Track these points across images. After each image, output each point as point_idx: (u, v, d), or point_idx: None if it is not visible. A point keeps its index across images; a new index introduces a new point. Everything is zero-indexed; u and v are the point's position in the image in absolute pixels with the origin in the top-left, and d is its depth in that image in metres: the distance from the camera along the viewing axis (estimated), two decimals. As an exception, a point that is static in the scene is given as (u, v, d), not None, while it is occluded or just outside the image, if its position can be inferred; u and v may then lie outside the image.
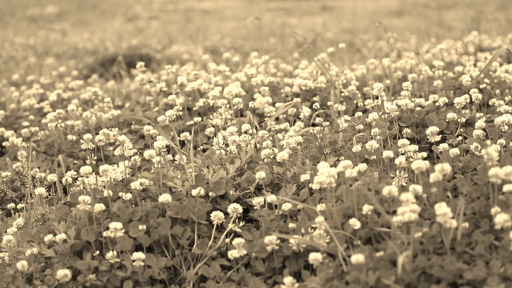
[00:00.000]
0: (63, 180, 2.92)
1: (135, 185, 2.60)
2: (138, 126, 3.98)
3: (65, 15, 13.48)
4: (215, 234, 2.54)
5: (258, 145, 3.15)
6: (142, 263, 2.38)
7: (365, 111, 3.77)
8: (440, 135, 2.82)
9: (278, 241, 2.40)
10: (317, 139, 3.13)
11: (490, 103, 3.57)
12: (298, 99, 3.99)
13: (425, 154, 2.89)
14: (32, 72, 6.98)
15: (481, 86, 3.74)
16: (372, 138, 2.92)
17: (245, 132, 3.15)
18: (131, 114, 4.13)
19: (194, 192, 2.56)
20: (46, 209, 2.77)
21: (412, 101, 3.21)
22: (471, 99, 3.30)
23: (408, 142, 2.73)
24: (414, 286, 2.11)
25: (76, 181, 3.03)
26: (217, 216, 2.51)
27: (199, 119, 3.60)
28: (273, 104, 3.92)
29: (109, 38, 9.57)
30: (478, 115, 3.25)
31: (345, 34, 9.31)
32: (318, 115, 3.63)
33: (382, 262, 2.16)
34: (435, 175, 2.27)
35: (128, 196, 2.61)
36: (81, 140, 3.04)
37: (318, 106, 3.57)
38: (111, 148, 3.65)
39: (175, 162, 3.14)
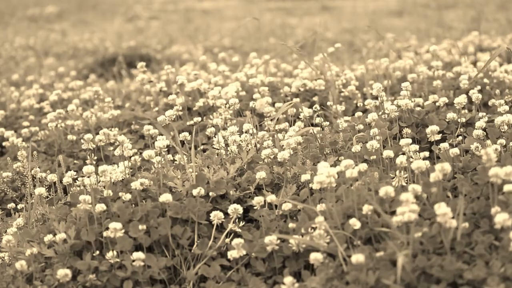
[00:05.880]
0: (63, 180, 2.92)
1: (135, 185, 2.60)
2: (138, 126, 3.98)
3: (65, 15, 13.48)
4: (215, 234, 2.54)
5: (258, 145, 3.15)
6: (142, 263, 2.38)
7: (365, 111, 3.77)
8: (440, 135, 2.82)
9: (278, 241, 2.40)
10: (317, 139, 3.13)
11: (490, 103, 3.57)
12: (298, 99, 3.99)
13: (426, 154, 2.90)
14: (32, 72, 6.98)
15: (479, 87, 3.74)
16: (372, 138, 2.92)
17: (246, 132, 3.15)
18: (131, 113, 4.13)
19: (194, 192, 2.56)
20: (46, 209, 2.77)
21: (412, 101, 3.21)
22: (470, 100, 3.30)
23: (410, 141, 2.73)
24: (414, 286, 2.11)
25: (76, 181, 3.03)
26: (217, 216, 2.51)
27: (199, 119, 3.59)
28: (273, 104, 3.93)
29: (109, 38, 9.56)
30: (479, 114, 3.25)
31: (345, 34, 9.31)
32: (318, 115, 3.63)
33: (382, 262, 2.16)
34: (435, 174, 2.27)
35: (128, 196, 2.61)
36: (82, 140, 3.04)
37: (318, 108, 3.57)
38: (111, 148, 3.65)
39: (175, 162, 3.15)
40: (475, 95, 3.25)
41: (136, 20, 12.39)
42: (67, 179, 2.93)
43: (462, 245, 2.21)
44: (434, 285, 2.09)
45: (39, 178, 3.20)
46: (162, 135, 2.99)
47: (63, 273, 2.31)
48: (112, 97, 4.93)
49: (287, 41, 8.47)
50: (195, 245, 2.51)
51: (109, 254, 2.41)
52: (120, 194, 2.66)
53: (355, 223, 2.33)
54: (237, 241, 2.41)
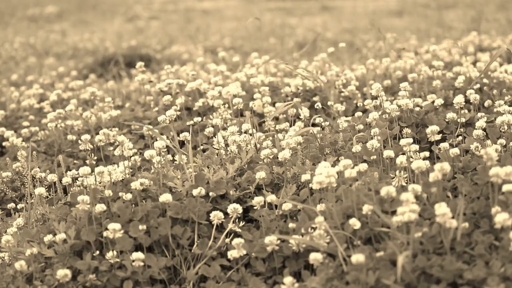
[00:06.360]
0: (63, 180, 2.92)
1: (135, 185, 2.60)
2: (138, 127, 3.98)
3: (65, 15, 13.48)
4: (215, 234, 2.54)
5: (258, 145, 3.15)
6: (142, 263, 2.38)
7: (365, 111, 3.77)
8: (440, 135, 2.82)
9: (278, 241, 2.40)
10: (317, 139, 3.13)
11: (486, 104, 3.57)
12: (298, 99, 3.99)
13: (426, 154, 2.90)
14: (32, 72, 6.98)
15: (478, 87, 3.74)
16: (372, 138, 2.92)
17: (245, 132, 3.15)
18: (132, 114, 4.13)
19: (194, 192, 2.56)
20: (46, 209, 2.77)
21: (412, 101, 3.21)
22: (468, 100, 3.30)
23: (411, 141, 2.73)
24: (414, 286, 2.11)
25: (76, 181, 3.03)
26: (217, 216, 2.51)
27: (199, 119, 3.59)
28: (273, 104, 3.93)
29: (109, 38, 9.56)
30: (479, 115, 3.25)
31: (345, 34, 9.31)
32: (319, 116, 3.63)
33: (382, 262, 2.16)
34: (434, 174, 2.27)
35: (128, 196, 2.61)
36: (79, 141, 3.04)
37: (320, 106, 3.57)
38: (111, 148, 3.65)
39: (175, 162, 3.15)
40: (473, 95, 3.25)
41: (136, 20, 12.40)
42: (67, 179, 2.93)
43: (462, 245, 2.21)
44: (434, 285, 2.09)
45: (39, 178, 3.20)
46: (162, 134, 2.99)
47: (63, 273, 2.31)
48: (112, 97, 4.94)
49: (286, 42, 8.47)
50: (195, 245, 2.50)
51: (109, 254, 2.41)
52: (120, 194, 2.66)
53: (355, 223, 2.33)
54: (237, 241, 2.41)
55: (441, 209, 2.13)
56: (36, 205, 2.82)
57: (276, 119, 3.75)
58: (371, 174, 2.56)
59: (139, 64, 4.37)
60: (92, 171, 2.65)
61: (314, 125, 3.57)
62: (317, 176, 2.34)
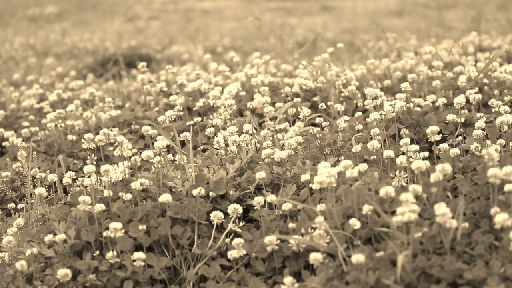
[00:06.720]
0: (63, 180, 2.92)
1: (135, 185, 2.60)
2: (138, 126, 3.98)
3: (65, 15, 13.47)
4: (215, 234, 2.54)
5: (258, 145, 3.15)
6: (143, 263, 2.38)
7: (365, 111, 3.77)
8: (440, 135, 2.82)
9: (278, 241, 2.40)
10: (317, 139, 3.13)
11: (490, 103, 3.57)
12: (298, 99, 3.99)
13: (426, 154, 2.90)
14: (32, 72, 6.97)
15: (477, 88, 3.74)
16: (371, 138, 2.92)
17: (245, 132, 3.15)
18: (132, 114, 4.14)
19: (194, 192, 2.56)
20: (46, 209, 2.78)
21: (411, 101, 3.21)
22: (468, 100, 3.30)
23: (409, 141, 2.73)
24: (414, 286, 2.11)
25: (76, 181, 3.03)
26: (217, 216, 2.51)
27: (199, 119, 3.60)
28: (273, 104, 3.93)
29: (109, 38, 9.56)
30: (478, 115, 3.25)
31: (345, 34, 9.31)
32: (319, 115, 3.62)
33: (382, 262, 2.16)
34: (435, 175, 2.27)
35: (128, 196, 2.61)
36: (82, 140, 3.05)
37: (324, 106, 3.57)
38: (111, 148, 3.65)
39: (175, 162, 3.15)
40: (472, 96, 3.25)
41: (136, 20, 12.39)
42: (67, 179, 2.93)
43: (462, 245, 2.21)
44: (434, 285, 2.09)
45: (39, 178, 3.20)
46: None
47: (63, 273, 2.31)
48: (112, 97, 4.94)
49: (286, 42, 8.47)
50: (195, 245, 2.51)
51: (109, 254, 2.41)
52: (120, 194, 2.66)
53: (355, 223, 2.33)
54: (237, 241, 2.41)
55: (441, 209, 2.13)
56: (36, 205, 2.82)
57: (276, 119, 3.75)
58: (371, 174, 2.57)
59: (142, 64, 4.37)
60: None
61: (313, 125, 3.57)
62: (318, 176, 2.34)
